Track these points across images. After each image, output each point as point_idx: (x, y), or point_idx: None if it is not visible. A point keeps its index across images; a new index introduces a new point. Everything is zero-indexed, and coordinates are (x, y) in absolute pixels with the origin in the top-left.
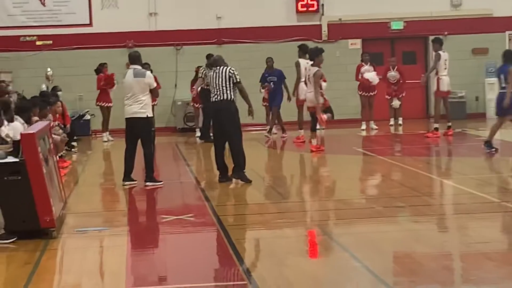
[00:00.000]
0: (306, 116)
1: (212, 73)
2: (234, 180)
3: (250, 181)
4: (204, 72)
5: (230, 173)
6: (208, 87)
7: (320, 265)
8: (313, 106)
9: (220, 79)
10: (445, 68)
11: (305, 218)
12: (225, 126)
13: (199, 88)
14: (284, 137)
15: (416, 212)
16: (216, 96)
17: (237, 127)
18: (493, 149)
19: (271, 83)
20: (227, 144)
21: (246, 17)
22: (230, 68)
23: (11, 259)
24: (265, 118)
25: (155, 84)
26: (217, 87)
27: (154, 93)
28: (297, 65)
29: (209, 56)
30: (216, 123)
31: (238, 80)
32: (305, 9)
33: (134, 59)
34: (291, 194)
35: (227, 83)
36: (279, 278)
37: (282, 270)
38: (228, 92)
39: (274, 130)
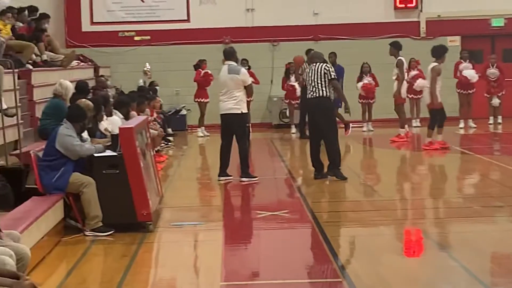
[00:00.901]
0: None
1: (308, 69)
2: (329, 177)
3: (346, 178)
4: (303, 68)
5: (325, 170)
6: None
7: (416, 264)
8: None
9: (316, 76)
10: None
11: (401, 216)
12: (320, 123)
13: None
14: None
15: None
16: (311, 93)
17: (333, 124)
18: None
19: None
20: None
21: (343, 13)
22: (325, 65)
23: (108, 251)
24: (361, 115)
25: (249, 81)
26: (313, 84)
27: (249, 89)
28: (401, 63)
29: (308, 52)
30: (312, 120)
31: (333, 76)
32: (403, 5)
33: (229, 55)
34: (387, 191)
35: (322, 79)
36: (374, 276)
37: (377, 268)
38: (324, 88)
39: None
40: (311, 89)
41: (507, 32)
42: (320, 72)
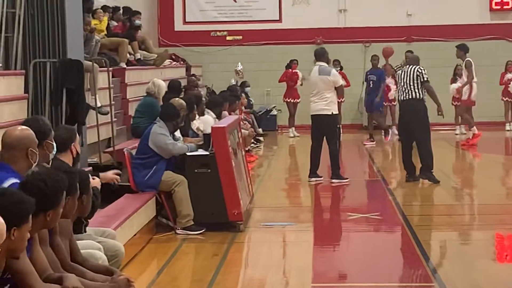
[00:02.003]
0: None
1: (400, 72)
2: (421, 180)
3: (438, 182)
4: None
5: (417, 172)
6: None
7: (510, 270)
8: None
9: (408, 78)
10: None
11: (495, 221)
12: (413, 125)
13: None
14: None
15: None
16: (404, 95)
17: (426, 126)
18: None
19: (370, 82)
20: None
21: (437, 14)
22: (418, 67)
23: (199, 250)
24: (454, 118)
25: (340, 82)
26: (405, 86)
27: (339, 90)
28: (469, 65)
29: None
30: (404, 122)
31: (425, 79)
32: (499, 7)
33: (320, 56)
34: (481, 196)
35: (415, 81)
36: (467, 281)
37: (470, 273)
38: (416, 90)
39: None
40: (403, 91)
41: None
42: (413, 75)
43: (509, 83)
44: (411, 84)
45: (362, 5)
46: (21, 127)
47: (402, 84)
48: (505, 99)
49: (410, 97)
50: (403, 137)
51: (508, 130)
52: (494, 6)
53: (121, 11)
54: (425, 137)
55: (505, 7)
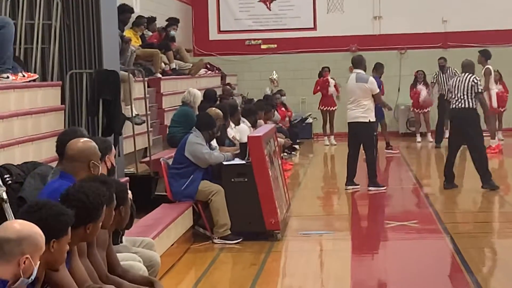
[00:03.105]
0: None
1: (454, 79)
2: (458, 186)
3: (498, 187)
4: (435, 77)
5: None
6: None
7: None
8: None
9: (463, 86)
10: None
11: None
12: (470, 134)
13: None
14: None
15: None
16: (458, 103)
17: (482, 135)
18: None
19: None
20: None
21: (472, 20)
22: (474, 77)
23: (237, 259)
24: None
25: (377, 90)
26: (459, 94)
27: (377, 98)
28: (488, 72)
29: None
30: (456, 130)
31: (480, 90)
32: None
33: (357, 63)
34: None
35: (469, 91)
36: None
37: (510, 282)
38: (471, 100)
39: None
40: (458, 99)
41: None
42: (469, 84)
43: None
44: (465, 93)
45: (397, 11)
46: (84, 139)
47: (456, 92)
48: None
49: (466, 106)
50: (452, 145)
51: None
52: None
53: (156, 21)
54: (482, 145)
55: None
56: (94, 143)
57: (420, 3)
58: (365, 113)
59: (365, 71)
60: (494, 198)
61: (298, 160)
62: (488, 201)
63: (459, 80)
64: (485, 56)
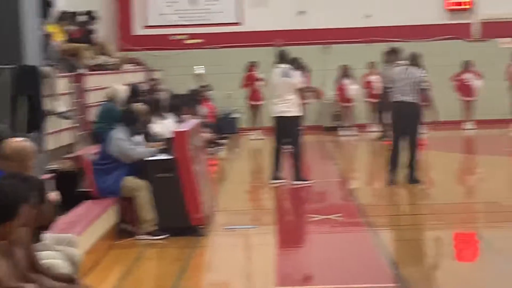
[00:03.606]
0: None
1: (399, 70)
2: (385, 180)
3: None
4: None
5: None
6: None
7: (472, 269)
8: None
9: (408, 80)
10: None
11: (456, 221)
12: (412, 129)
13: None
14: None
15: None
16: (405, 96)
17: (418, 128)
18: None
19: None
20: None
21: (395, 15)
22: (421, 71)
23: (162, 255)
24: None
25: (301, 84)
26: (407, 87)
27: (301, 92)
28: None
29: (390, 53)
30: (401, 123)
31: (425, 87)
32: (455, 7)
33: (282, 58)
34: (441, 195)
35: (416, 86)
36: (429, 281)
37: (432, 272)
38: (416, 94)
39: None
40: (404, 93)
41: None
42: (416, 78)
43: (467, 83)
44: (413, 87)
45: (321, 6)
46: (19, 139)
47: (403, 84)
48: (464, 99)
49: (412, 100)
50: (396, 138)
51: (466, 129)
52: (451, 6)
53: (81, 16)
54: (418, 140)
55: (461, 7)
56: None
57: None
58: (290, 107)
59: (292, 65)
60: (417, 191)
61: (224, 154)
62: (412, 194)
63: (404, 72)
64: None
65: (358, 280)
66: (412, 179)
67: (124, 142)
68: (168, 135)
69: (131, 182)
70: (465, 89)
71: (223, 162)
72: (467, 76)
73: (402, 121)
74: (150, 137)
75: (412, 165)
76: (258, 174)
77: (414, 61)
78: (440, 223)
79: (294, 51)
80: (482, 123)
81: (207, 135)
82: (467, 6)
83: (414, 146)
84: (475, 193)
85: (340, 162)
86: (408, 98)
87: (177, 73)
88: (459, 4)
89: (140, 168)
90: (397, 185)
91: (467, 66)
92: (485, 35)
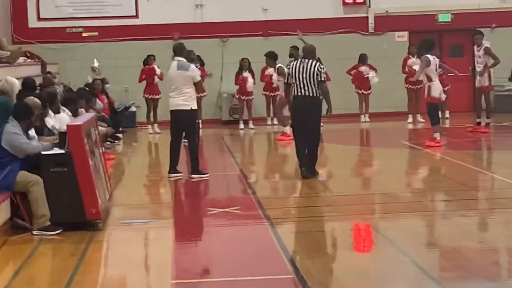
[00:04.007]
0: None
1: (298, 65)
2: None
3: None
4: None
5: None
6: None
7: (367, 259)
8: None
9: (308, 74)
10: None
11: (352, 212)
12: (313, 124)
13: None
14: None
15: (464, 206)
16: (304, 91)
17: (320, 124)
18: None
19: None
20: None
21: (292, 9)
22: (319, 65)
23: (57, 251)
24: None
25: (199, 77)
26: (304, 82)
27: (198, 86)
28: (488, 50)
29: (294, 48)
30: (302, 118)
31: (323, 79)
32: (351, 1)
33: (178, 51)
34: (338, 187)
35: (315, 79)
36: (325, 272)
37: (328, 264)
38: (316, 88)
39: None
40: (303, 87)
41: (453, 27)
42: (314, 71)
43: (363, 75)
44: (311, 80)
45: (219, 0)
46: None
47: (301, 79)
48: (360, 92)
49: (311, 94)
50: (298, 133)
51: (363, 122)
52: (346, 0)
53: None
54: (319, 135)
55: (357, 1)
56: None
57: None
58: (186, 100)
59: (187, 59)
60: (314, 183)
61: (121, 148)
62: (309, 186)
63: (302, 66)
64: (482, 34)
65: (256, 273)
66: (312, 172)
67: (17, 136)
68: (64, 129)
69: (24, 176)
70: (361, 82)
71: (121, 156)
72: (362, 69)
73: (303, 115)
74: (44, 131)
75: (313, 158)
76: (156, 168)
77: (310, 54)
78: (337, 214)
79: (191, 44)
80: (378, 116)
81: (103, 129)
82: (362, 0)
83: (316, 139)
84: (371, 185)
85: (238, 156)
86: (307, 92)
87: (74, 66)
88: None
89: (34, 162)
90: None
91: (362, 59)
92: (381, 29)
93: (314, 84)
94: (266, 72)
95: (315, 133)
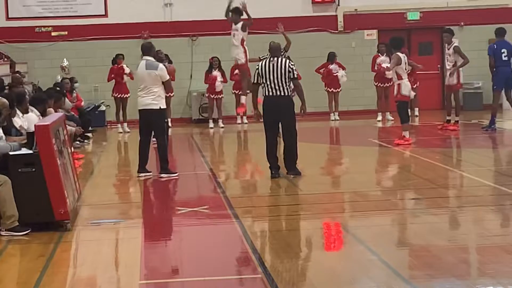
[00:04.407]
0: None
1: (265, 63)
2: (283, 175)
3: (300, 174)
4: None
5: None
6: None
7: (336, 258)
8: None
9: (279, 72)
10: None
11: (321, 211)
12: (288, 122)
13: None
14: None
15: (432, 204)
16: (276, 91)
17: (295, 122)
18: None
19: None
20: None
21: (261, 7)
22: (290, 62)
23: (25, 251)
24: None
25: (167, 76)
26: (276, 81)
27: (166, 85)
28: (458, 49)
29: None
30: (275, 117)
31: (295, 75)
32: (320, 0)
33: (147, 50)
34: (307, 186)
35: (286, 76)
36: (294, 271)
37: (297, 263)
38: (288, 87)
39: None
40: (274, 87)
41: (422, 25)
42: (285, 69)
43: (335, 73)
44: (283, 79)
45: None
46: None
47: (272, 78)
48: (329, 90)
49: (284, 93)
50: (269, 132)
51: (332, 120)
52: None
53: None
54: (296, 134)
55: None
56: None
57: None
58: (155, 100)
59: (154, 57)
60: (284, 182)
61: (91, 148)
62: (278, 185)
63: (272, 65)
64: (452, 33)
65: (225, 273)
66: (294, 170)
67: None
68: (32, 129)
69: None
70: (330, 80)
71: (90, 156)
72: (332, 67)
73: (276, 115)
74: (12, 131)
75: (293, 155)
76: (126, 167)
77: (277, 52)
78: (306, 213)
79: (161, 43)
80: (348, 114)
81: (72, 128)
82: None
83: (293, 137)
84: (340, 183)
85: (208, 155)
86: (279, 92)
87: (43, 65)
88: None
89: (1, 163)
90: (279, 177)
91: (331, 58)
92: (350, 27)
93: (285, 83)
94: (235, 71)
95: (291, 130)
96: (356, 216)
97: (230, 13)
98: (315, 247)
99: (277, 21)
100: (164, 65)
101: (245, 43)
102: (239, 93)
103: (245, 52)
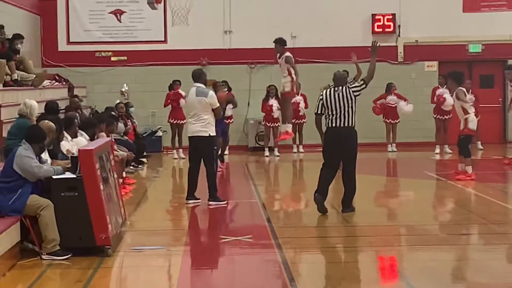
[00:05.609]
0: None
1: (328, 93)
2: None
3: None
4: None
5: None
6: None
7: None
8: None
9: (344, 102)
10: None
11: (366, 243)
12: (351, 154)
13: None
14: None
15: (481, 240)
16: (341, 122)
17: (356, 158)
18: None
19: None
20: None
21: (321, 36)
22: (352, 88)
23: (63, 276)
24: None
25: (217, 104)
26: (342, 111)
27: (216, 112)
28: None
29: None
30: (338, 149)
31: (359, 92)
32: (381, 30)
33: (197, 77)
34: (355, 218)
35: (352, 105)
36: None
37: None
38: (353, 117)
39: None
40: (338, 117)
41: (484, 58)
42: (350, 97)
43: (393, 105)
44: (348, 109)
45: (247, 26)
46: None
47: (337, 108)
48: (387, 121)
49: (349, 124)
50: (329, 164)
51: (389, 151)
52: (376, 29)
53: (4, 29)
54: (354, 176)
55: (386, 30)
56: None
57: (270, 19)
58: (205, 127)
59: (205, 84)
60: (332, 213)
61: (145, 173)
62: (325, 216)
63: (337, 95)
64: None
65: None
66: (350, 208)
67: (29, 160)
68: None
69: (35, 200)
70: (389, 112)
71: (143, 181)
72: (390, 98)
73: (338, 146)
74: (58, 155)
75: (352, 190)
76: (177, 194)
77: (342, 81)
78: (350, 246)
79: (219, 70)
80: (406, 146)
81: (123, 153)
82: (392, 29)
83: (353, 170)
84: (389, 217)
85: (260, 183)
86: (344, 123)
87: (102, 90)
88: (387, 27)
89: (45, 186)
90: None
91: (389, 88)
92: (410, 58)
93: (350, 113)
94: (293, 100)
95: (351, 173)
96: (401, 250)
97: (274, 44)
98: (355, 280)
99: (336, 51)
100: (215, 91)
101: (293, 73)
102: (295, 122)
103: (292, 81)
